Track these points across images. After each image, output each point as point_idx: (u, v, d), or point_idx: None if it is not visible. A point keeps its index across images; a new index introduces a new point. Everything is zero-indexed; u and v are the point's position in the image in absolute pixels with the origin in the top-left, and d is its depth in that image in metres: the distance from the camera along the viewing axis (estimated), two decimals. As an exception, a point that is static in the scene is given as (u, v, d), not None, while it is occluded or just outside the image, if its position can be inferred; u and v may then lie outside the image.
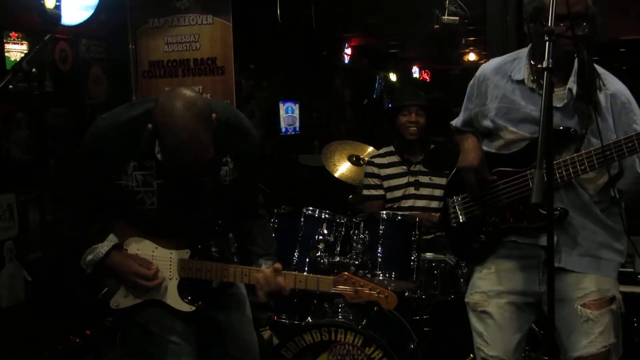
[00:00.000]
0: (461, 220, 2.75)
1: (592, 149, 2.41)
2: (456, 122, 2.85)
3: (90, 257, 2.45)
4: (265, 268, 2.51)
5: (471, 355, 3.06)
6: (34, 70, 2.17)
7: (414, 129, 4.04)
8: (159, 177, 2.43)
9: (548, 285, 2.10)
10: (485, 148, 2.69)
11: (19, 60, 2.16)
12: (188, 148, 2.22)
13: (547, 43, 2.04)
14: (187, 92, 2.27)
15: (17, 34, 4.12)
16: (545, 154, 1.98)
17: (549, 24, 2.05)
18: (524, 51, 2.60)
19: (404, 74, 12.52)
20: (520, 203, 2.55)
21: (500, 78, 2.60)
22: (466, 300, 2.74)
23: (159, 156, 2.37)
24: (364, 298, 2.46)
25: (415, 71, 13.33)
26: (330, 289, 2.49)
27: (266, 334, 4.03)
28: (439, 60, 12.61)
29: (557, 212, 2.47)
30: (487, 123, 2.64)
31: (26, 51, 4.14)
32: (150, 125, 2.25)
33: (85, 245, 2.47)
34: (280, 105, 7.89)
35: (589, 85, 2.45)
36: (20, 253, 4.09)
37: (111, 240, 2.48)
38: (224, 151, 2.46)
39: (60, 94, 4.48)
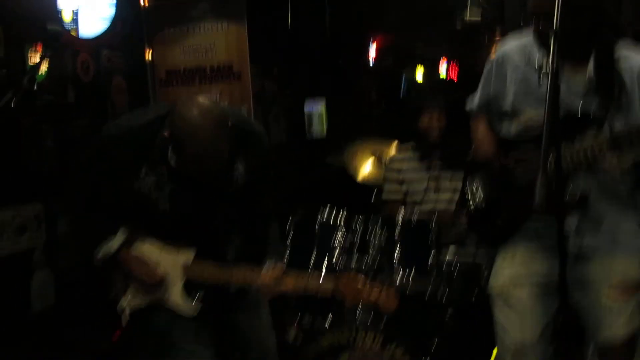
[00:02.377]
0: (479, 205, 2.71)
1: (614, 132, 2.35)
2: (472, 104, 2.81)
3: (102, 252, 2.49)
4: (268, 271, 2.50)
5: (496, 349, 3.03)
6: (35, 88, 2.21)
7: (435, 131, 4.02)
8: (171, 181, 2.46)
9: (559, 275, 2.07)
10: (503, 130, 2.66)
11: (21, 77, 2.20)
12: (207, 156, 2.25)
13: (551, 44, 1.98)
14: (204, 101, 2.31)
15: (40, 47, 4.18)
16: (548, 153, 1.94)
17: (555, 24, 1.98)
18: None
19: (430, 74, 12.44)
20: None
21: (520, 60, 2.56)
22: (489, 286, 2.71)
23: (172, 162, 2.39)
24: (364, 301, 2.44)
25: (442, 70, 13.23)
26: (330, 288, 2.46)
27: (290, 334, 4.04)
28: (465, 59, 12.50)
29: (577, 197, 2.42)
30: (505, 106, 2.60)
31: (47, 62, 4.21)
32: (166, 133, 2.28)
33: (99, 240, 2.50)
34: (305, 107, 7.90)
35: (609, 67, 2.40)
36: (50, 260, 4.16)
37: (122, 235, 2.52)
38: (235, 156, 2.48)
39: (83, 104, 4.55)
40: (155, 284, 2.52)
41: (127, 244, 2.53)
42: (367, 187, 4.70)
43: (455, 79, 13.24)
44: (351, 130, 9.14)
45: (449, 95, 4.26)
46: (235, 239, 2.68)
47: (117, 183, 2.44)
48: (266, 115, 7.02)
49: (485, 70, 2.74)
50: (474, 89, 2.87)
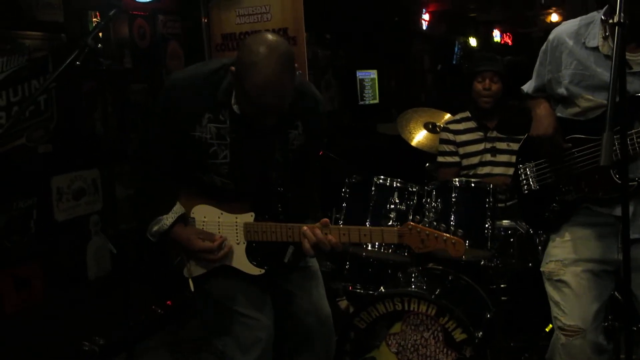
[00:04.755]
0: (533, 188, 2.69)
1: None
2: (527, 87, 2.77)
3: (155, 228, 2.52)
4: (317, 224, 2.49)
5: (550, 325, 2.99)
6: (99, 45, 2.21)
7: (488, 96, 3.95)
8: (232, 131, 2.47)
9: (623, 258, 2.02)
10: (559, 114, 2.61)
11: (85, 37, 2.20)
12: (271, 88, 2.23)
13: (616, 28, 1.90)
14: (273, 36, 2.31)
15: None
16: (615, 116, 1.89)
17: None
18: (598, 15, 2.49)
19: (484, 39, 12.23)
20: (596, 172, 2.47)
21: (575, 43, 2.50)
22: (542, 269, 2.69)
23: (235, 108, 2.41)
24: (431, 247, 2.42)
25: (496, 35, 12.99)
26: (395, 240, 2.48)
27: (343, 304, 4.06)
28: (520, 23, 12.25)
29: (635, 183, 2.38)
30: (561, 90, 2.55)
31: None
32: (233, 68, 2.29)
33: (152, 214, 2.53)
34: (357, 74, 7.85)
35: None
36: (106, 226, 4.25)
37: (176, 211, 2.53)
38: (294, 115, 2.48)
39: (140, 70, 4.59)
40: (216, 256, 2.54)
41: (182, 219, 2.55)
42: (420, 153, 4.66)
43: (510, 43, 13.02)
44: (404, 97, 9.10)
45: (501, 60, 4.15)
46: (288, 200, 2.67)
47: (180, 130, 2.44)
48: (319, 82, 7.00)
49: (540, 54, 2.69)
50: (530, 52, 2.81)
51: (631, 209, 2.40)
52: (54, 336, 3.77)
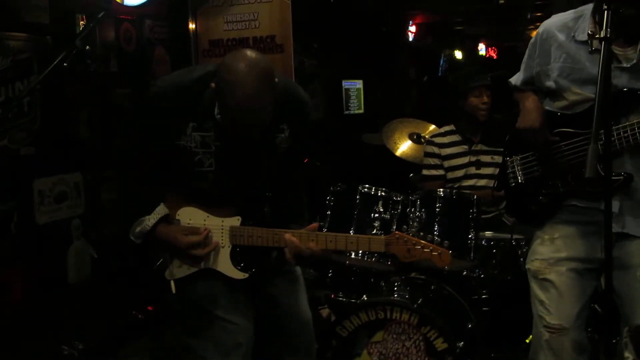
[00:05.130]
0: (520, 181, 2.70)
1: None
2: (515, 80, 2.78)
3: (138, 229, 2.51)
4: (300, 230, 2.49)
5: (530, 337, 3.01)
6: (87, 47, 2.21)
7: (486, 109, 3.99)
8: (217, 139, 2.47)
9: (605, 254, 2.06)
10: (547, 108, 2.62)
11: (73, 39, 2.20)
12: (249, 106, 2.24)
13: (605, 13, 1.97)
14: (252, 53, 2.31)
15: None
16: (601, 124, 1.92)
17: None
18: (588, 8, 2.50)
19: (469, 52, 12.30)
20: (583, 166, 2.46)
21: (564, 37, 2.52)
22: (527, 266, 2.70)
23: (218, 118, 2.40)
24: (417, 257, 2.43)
25: (482, 48, 13.08)
26: (382, 249, 2.48)
27: (325, 312, 4.06)
28: (505, 37, 12.34)
29: (621, 177, 2.41)
30: (549, 83, 2.56)
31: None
32: (213, 84, 2.29)
33: (135, 215, 2.52)
34: (343, 84, 7.87)
35: None
36: (88, 230, 4.21)
37: (159, 212, 2.52)
38: (280, 119, 2.49)
39: (125, 74, 4.57)
40: (203, 251, 2.54)
41: (165, 220, 2.53)
42: (404, 164, 4.68)
43: (494, 56, 13.10)
44: (389, 108, 9.12)
45: (492, 73, 4.20)
46: (274, 204, 2.67)
47: (165, 139, 2.44)
48: (304, 90, 6.99)
49: (529, 46, 2.70)
50: (513, 67, 2.84)
51: (617, 204, 2.42)
52: (33, 340, 3.72)
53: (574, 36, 2.50)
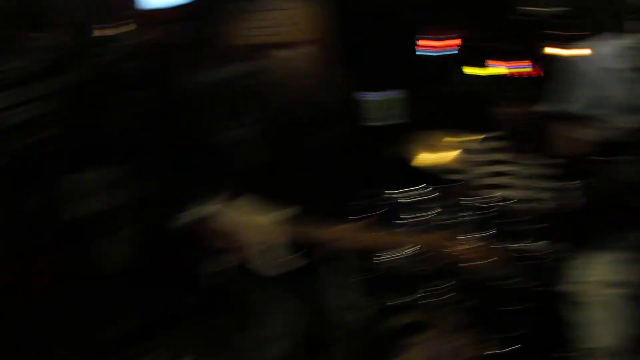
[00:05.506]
0: (572, 206, 2.67)
1: None
2: (550, 107, 2.78)
3: (181, 220, 2.48)
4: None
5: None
6: (116, 47, 2.23)
7: (517, 121, 4.00)
8: (262, 134, 2.50)
9: None
10: (587, 135, 2.59)
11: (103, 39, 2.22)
12: (296, 99, 2.24)
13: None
14: (296, 53, 2.32)
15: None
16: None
17: None
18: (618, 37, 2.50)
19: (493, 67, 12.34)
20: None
21: (596, 65, 2.52)
22: (571, 290, 2.65)
23: (261, 113, 2.41)
24: (470, 259, 2.38)
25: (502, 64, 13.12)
26: (440, 249, 2.52)
27: (364, 313, 4.06)
28: (532, 53, 12.35)
29: None
30: (579, 110, 2.55)
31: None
32: (257, 80, 2.29)
33: (178, 208, 2.51)
34: (366, 95, 7.88)
35: None
36: (124, 223, 4.20)
37: (202, 207, 2.54)
38: (317, 123, 2.53)
39: (153, 74, 4.57)
40: (241, 249, 2.52)
41: (209, 213, 2.53)
42: (429, 174, 4.68)
43: (521, 73, 13.13)
44: (412, 120, 9.12)
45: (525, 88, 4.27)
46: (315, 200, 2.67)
47: (207, 135, 2.46)
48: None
49: (561, 73, 2.70)
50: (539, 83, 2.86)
51: None
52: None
53: (606, 65, 2.62)
